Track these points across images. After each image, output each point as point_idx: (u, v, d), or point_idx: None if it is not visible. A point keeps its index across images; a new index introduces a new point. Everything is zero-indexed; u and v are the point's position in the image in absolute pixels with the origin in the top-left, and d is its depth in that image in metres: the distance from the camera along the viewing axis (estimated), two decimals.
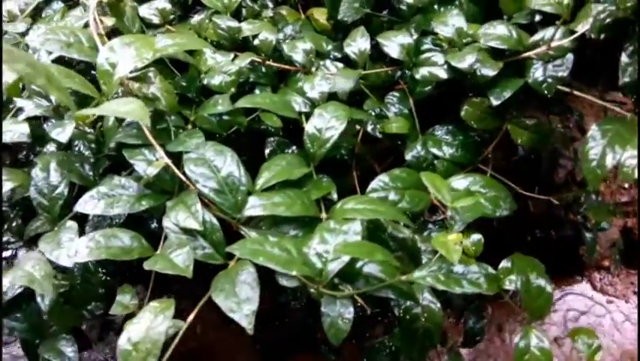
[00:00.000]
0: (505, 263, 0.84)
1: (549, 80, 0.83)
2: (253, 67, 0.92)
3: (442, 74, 0.85)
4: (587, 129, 1.81)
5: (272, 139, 0.87)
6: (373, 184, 0.81)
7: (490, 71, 0.84)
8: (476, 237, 0.87)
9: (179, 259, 0.64)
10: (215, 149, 0.73)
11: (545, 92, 0.83)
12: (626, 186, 1.84)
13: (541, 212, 1.80)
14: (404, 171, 0.83)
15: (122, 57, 0.70)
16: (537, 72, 0.84)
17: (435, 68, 0.86)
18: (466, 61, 0.81)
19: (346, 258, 0.65)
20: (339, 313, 0.65)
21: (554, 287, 1.83)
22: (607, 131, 0.72)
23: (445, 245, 0.63)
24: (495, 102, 0.83)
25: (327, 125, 0.79)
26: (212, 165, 0.71)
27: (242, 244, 0.64)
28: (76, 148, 0.85)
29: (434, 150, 0.89)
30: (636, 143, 0.66)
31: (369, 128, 0.93)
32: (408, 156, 0.88)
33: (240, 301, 0.60)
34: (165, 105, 0.73)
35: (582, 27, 0.81)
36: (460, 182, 0.84)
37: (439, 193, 0.70)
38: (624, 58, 0.71)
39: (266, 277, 0.65)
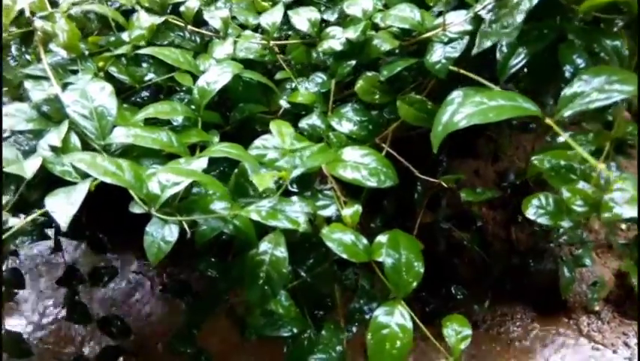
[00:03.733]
0: (380, 238, 0.84)
1: (443, 61, 0.84)
2: (181, 34, 0.99)
3: (337, 47, 0.88)
4: None
5: (178, 95, 0.93)
6: (256, 142, 0.85)
7: (387, 46, 0.86)
8: (356, 207, 0.88)
9: (26, 163, 0.70)
10: (96, 84, 0.79)
11: (439, 73, 0.84)
12: (623, 227, 1.72)
13: (522, 239, 1.73)
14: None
15: None
16: (435, 54, 0.85)
17: (333, 41, 0.89)
18: (353, 32, 0.84)
19: (178, 187, 0.69)
20: (162, 236, 0.68)
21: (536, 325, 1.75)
22: (465, 96, 0.71)
23: (261, 177, 0.65)
24: (383, 76, 0.85)
25: (214, 80, 0.84)
26: (89, 95, 0.78)
27: (77, 154, 0.69)
28: None
29: (333, 124, 0.92)
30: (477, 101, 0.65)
31: (282, 100, 0.97)
32: (302, 124, 0.90)
33: (65, 203, 0.65)
34: (62, 43, 0.81)
35: (479, 9, 0.82)
36: (349, 153, 0.86)
37: (280, 137, 0.72)
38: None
39: None
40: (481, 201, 1.06)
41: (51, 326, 1.50)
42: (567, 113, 0.62)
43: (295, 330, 0.91)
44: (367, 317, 0.98)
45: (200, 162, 0.72)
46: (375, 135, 0.92)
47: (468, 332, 0.81)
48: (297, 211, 0.68)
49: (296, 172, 0.72)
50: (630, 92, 0.61)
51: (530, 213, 0.78)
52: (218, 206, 0.72)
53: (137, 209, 0.72)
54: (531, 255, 1.65)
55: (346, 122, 0.92)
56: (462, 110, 0.64)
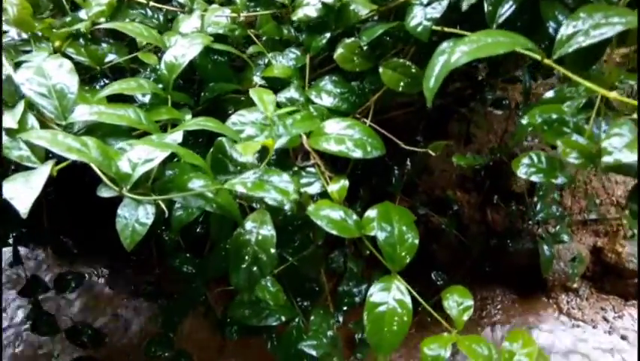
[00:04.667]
0: (370, 212, 0.80)
1: (424, 23, 0.80)
2: (143, 12, 0.93)
3: (313, 13, 0.84)
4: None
5: (143, 74, 0.86)
6: (232, 118, 0.79)
7: (364, 10, 0.82)
8: (342, 182, 0.83)
9: None
10: (54, 61, 0.72)
11: (420, 35, 0.80)
12: (597, 201, 1.73)
13: (498, 221, 1.72)
14: None
15: None
16: (416, 17, 0.82)
17: (308, 7, 0.85)
18: None
19: (152, 164, 0.63)
20: (137, 218, 0.62)
21: (518, 307, 1.74)
22: (457, 42, 0.68)
23: (246, 145, 0.60)
24: (363, 42, 0.81)
25: (183, 53, 0.79)
26: (46, 73, 0.71)
27: (35, 131, 0.62)
28: None
29: (313, 97, 0.87)
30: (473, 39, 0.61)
31: (256, 77, 0.92)
32: (280, 98, 0.85)
33: (24, 188, 0.58)
34: (12, 18, 0.74)
35: None
36: (331, 125, 0.81)
37: (262, 104, 0.67)
38: None
39: None
40: (472, 165, 1.01)
41: (14, 342, 1.39)
42: (567, 50, 0.59)
43: (283, 318, 0.86)
44: (357, 299, 0.93)
45: (174, 136, 0.67)
46: (357, 107, 0.88)
47: (470, 302, 0.78)
48: (285, 181, 0.63)
49: (281, 141, 0.67)
50: (629, 23, 0.58)
51: (522, 172, 0.75)
52: (197, 184, 0.66)
53: (105, 192, 0.65)
54: (508, 235, 1.64)
55: (326, 95, 0.87)
56: (458, 49, 0.60)
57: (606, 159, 0.61)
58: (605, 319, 1.70)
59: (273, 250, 0.71)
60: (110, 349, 1.30)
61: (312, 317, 0.84)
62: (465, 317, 0.77)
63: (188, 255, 1.08)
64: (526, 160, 0.75)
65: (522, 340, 0.76)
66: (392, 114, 1.29)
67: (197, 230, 1.09)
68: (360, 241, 0.79)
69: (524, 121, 0.79)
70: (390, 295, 0.74)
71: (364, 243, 0.77)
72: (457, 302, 0.78)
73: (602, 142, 0.63)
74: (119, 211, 0.62)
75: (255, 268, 0.71)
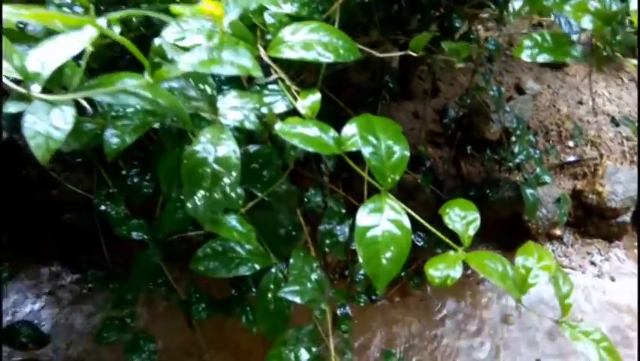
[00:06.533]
0: (347, 128, 0.68)
1: None
2: None
3: None
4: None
5: None
6: (172, 25, 0.65)
7: None
8: (313, 96, 0.71)
9: None
10: None
11: None
12: (571, 144, 1.67)
13: (473, 172, 1.63)
14: None
15: None
16: None
17: None
18: None
19: (67, 55, 0.48)
20: (50, 122, 0.47)
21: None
22: None
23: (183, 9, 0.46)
24: None
25: None
26: None
27: None
28: None
29: (271, 7, 0.74)
30: None
31: None
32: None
33: None
34: None
35: None
36: (293, 31, 0.68)
37: None
38: None
39: None
40: (467, 52, 0.87)
41: None
42: None
43: (257, 266, 0.71)
44: (340, 239, 0.80)
45: (98, 22, 0.51)
46: (320, 14, 0.75)
47: (475, 215, 0.67)
48: (243, 56, 0.49)
49: (232, 15, 0.53)
50: None
51: (525, 55, 0.64)
52: (130, 83, 0.51)
53: (13, 105, 0.50)
54: (486, 186, 1.55)
55: (282, 1, 0.74)
56: None
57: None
58: (593, 263, 1.63)
59: (236, 173, 0.57)
60: (55, 349, 1.11)
61: (291, 260, 0.70)
62: (471, 232, 0.66)
63: (136, 220, 0.92)
64: (528, 42, 0.64)
65: (537, 253, 0.66)
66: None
67: (145, 190, 0.94)
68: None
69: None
70: (383, 217, 0.61)
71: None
72: (460, 216, 0.67)
73: None
74: (27, 117, 0.47)
75: (216, 193, 0.56)
